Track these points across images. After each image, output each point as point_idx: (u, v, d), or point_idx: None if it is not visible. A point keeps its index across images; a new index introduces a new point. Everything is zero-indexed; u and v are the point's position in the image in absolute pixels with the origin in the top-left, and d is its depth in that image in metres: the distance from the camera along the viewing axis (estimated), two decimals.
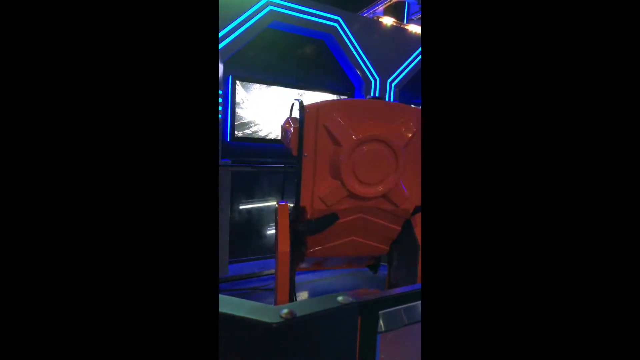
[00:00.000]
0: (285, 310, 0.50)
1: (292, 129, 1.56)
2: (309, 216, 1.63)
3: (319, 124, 1.46)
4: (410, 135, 1.50)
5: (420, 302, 0.69)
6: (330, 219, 1.62)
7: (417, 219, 1.72)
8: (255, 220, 3.58)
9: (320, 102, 1.52)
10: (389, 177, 1.51)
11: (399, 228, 1.75)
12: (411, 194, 1.59)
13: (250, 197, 3.57)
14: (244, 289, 2.85)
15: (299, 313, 0.51)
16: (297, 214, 1.65)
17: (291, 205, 1.71)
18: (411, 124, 1.49)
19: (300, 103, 1.47)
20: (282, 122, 1.89)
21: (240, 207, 3.47)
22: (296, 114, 1.57)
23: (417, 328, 0.67)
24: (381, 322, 0.62)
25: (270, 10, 3.80)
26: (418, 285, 0.69)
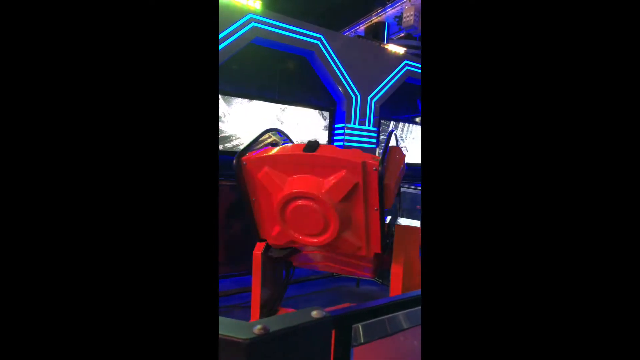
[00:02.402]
0: (258, 326, 0.50)
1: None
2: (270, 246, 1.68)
3: (256, 177, 1.49)
4: (347, 190, 1.37)
5: (395, 314, 0.70)
6: (290, 251, 1.66)
7: (399, 246, 1.66)
8: (235, 236, 3.52)
9: (259, 153, 1.51)
10: (328, 231, 1.43)
11: (371, 265, 1.70)
12: (366, 242, 1.49)
13: (230, 211, 3.52)
14: (222, 307, 2.77)
15: (272, 328, 0.50)
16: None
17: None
18: (349, 177, 1.35)
19: (237, 155, 1.50)
20: None
21: (219, 222, 3.40)
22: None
23: (391, 341, 0.67)
24: (355, 335, 0.62)
25: (254, 26, 3.86)
26: (392, 298, 0.70)
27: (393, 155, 1.56)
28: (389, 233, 1.75)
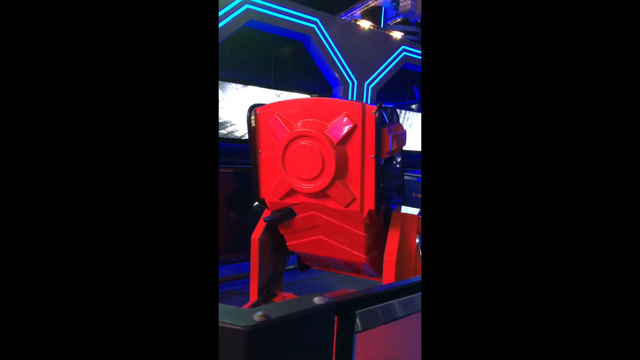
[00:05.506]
0: (259, 313, 0.49)
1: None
2: (269, 208, 1.75)
3: (265, 123, 1.60)
4: (346, 130, 1.45)
5: (396, 300, 0.69)
6: (286, 212, 1.69)
7: (394, 233, 1.64)
8: (232, 223, 3.51)
9: (270, 103, 1.63)
10: (324, 174, 1.50)
11: (363, 233, 1.66)
12: (359, 195, 1.51)
13: (228, 198, 3.49)
14: (220, 293, 2.78)
15: (273, 315, 0.49)
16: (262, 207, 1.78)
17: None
18: (349, 118, 1.45)
19: (250, 107, 1.62)
20: None
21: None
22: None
23: (394, 326, 0.67)
24: (358, 321, 0.62)
25: (247, 8, 3.75)
26: (393, 284, 0.69)
27: (392, 117, 1.77)
28: (386, 212, 1.76)
